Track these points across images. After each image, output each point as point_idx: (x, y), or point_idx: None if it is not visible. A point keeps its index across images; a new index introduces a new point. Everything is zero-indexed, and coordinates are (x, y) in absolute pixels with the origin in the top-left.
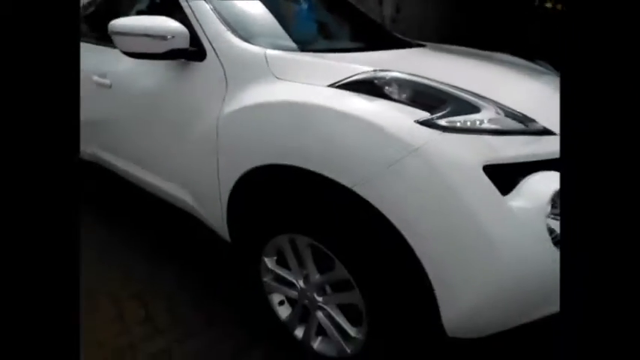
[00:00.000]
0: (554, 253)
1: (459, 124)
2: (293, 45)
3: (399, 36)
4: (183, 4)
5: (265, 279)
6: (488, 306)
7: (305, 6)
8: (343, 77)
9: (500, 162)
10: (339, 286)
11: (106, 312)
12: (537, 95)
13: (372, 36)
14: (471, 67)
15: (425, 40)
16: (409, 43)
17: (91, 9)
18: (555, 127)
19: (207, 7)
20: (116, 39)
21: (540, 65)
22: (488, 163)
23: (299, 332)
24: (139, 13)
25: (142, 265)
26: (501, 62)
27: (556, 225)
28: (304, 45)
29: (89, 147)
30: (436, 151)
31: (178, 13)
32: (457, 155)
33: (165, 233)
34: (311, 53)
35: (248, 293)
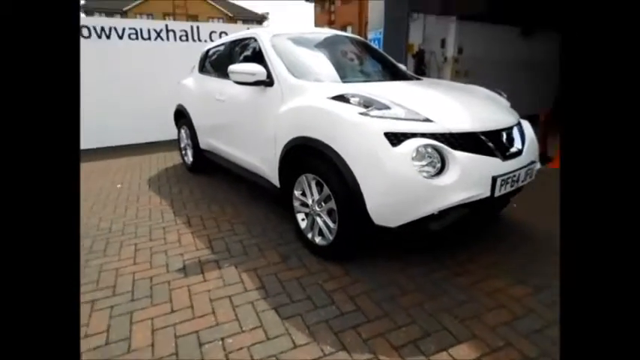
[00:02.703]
0: (419, 178)
1: (376, 114)
2: (320, 78)
3: (405, 71)
4: (266, 57)
5: (295, 204)
6: (386, 204)
7: (335, 55)
8: (333, 94)
9: (394, 132)
10: (326, 200)
11: (198, 227)
12: (442, 104)
13: (382, 71)
14: (417, 91)
15: (482, 76)
16: (408, 76)
17: (214, 58)
18: (435, 118)
19: (277, 59)
20: (231, 75)
21: (497, 93)
22: (386, 131)
23: (310, 235)
24: (243, 60)
25: (229, 206)
26: (448, 89)
27: (419, 165)
28: (328, 78)
29: (208, 139)
30: (363, 125)
31: (263, 61)
32: (372, 127)
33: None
34: (327, 83)
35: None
